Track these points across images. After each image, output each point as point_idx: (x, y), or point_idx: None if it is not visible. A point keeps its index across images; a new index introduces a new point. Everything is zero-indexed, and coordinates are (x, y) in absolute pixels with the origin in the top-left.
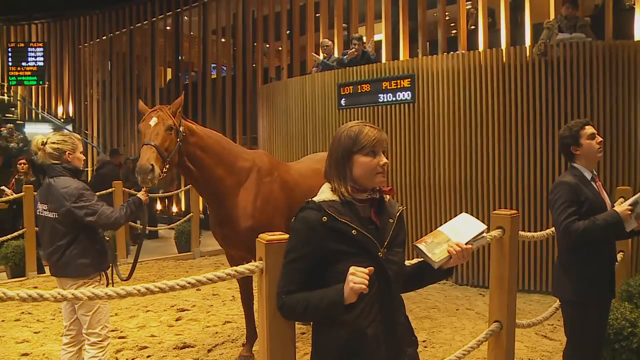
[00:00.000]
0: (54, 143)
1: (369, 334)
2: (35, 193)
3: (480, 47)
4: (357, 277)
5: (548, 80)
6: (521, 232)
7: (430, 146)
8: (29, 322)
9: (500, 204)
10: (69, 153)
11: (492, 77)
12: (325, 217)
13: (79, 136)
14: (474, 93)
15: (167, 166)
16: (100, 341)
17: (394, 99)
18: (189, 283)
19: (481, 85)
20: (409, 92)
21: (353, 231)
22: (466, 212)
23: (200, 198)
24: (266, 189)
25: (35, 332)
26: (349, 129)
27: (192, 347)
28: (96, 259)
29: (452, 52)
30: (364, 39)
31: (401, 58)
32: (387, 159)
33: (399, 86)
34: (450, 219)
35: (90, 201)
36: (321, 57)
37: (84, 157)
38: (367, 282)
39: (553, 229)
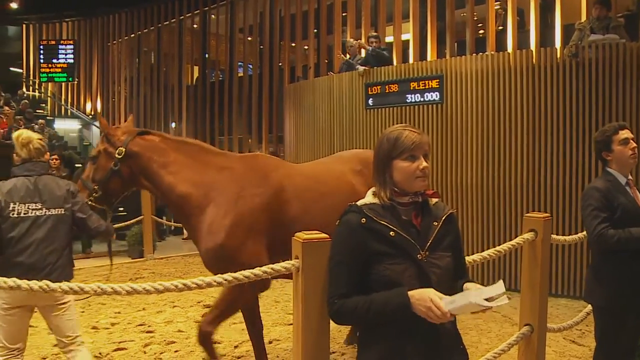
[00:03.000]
0: (40, 140)
1: (412, 338)
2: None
3: (509, 48)
4: (433, 314)
5: (579, 82)
6: (553, 236)
7: (458, 147)
8: None
9: (531, 207)
10: (47, 154)
11: (522, 78)
12: (364, 219)
13: None
14: (503, 94)
15: (96, 194)
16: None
17: (422, 99)
18: (225, 280)
19: (510, 87)
20: (437, 93)
21: (391, 232)
22: (496, 214)
23: None
24: (243, 206)
25: None
26: (389, 133)
27: (219, 343)
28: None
29: (480, 53)
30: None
31: (429, 59)
32: (427, 162)
33: (427, 87)
34: (479, 221)
35: (83, 200)
36: (347, 57)
37: None
38: (441, 320)
39: (585, 232)
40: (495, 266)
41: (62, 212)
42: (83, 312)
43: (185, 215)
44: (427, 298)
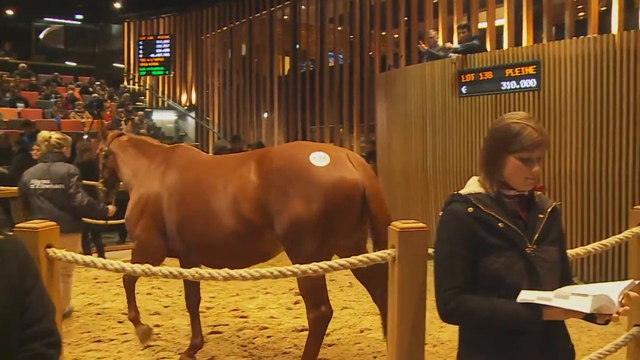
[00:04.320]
0: (58, 139)
1: (524, 338)
2: None
3: (614, 30)
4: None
5: None
6: None
7: (557, 137)
8: (159, 297)
9: (638, 199)
10: (65, 147)
11: (628, 62)
12: (471, 208)
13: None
14: (607, 80)
15: (102, 181)
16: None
17: (517, 86)
18: (321, 268)
19: (614, 72)
20: (534, 80)
21: (499, 224)
22: (598, 206)
23: None
24: (143, 190)
25: (165, 306)
26: (510, 123)
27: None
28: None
29: (581, 37)
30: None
31: (525, 44)
32: (539, 165)
33: (523, 73)
34: (580, 214)
35: (78, 181)
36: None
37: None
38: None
39: None
40: (598, 261)
41: (62, 187)
42: (180, 295)
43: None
44: (560, 313)
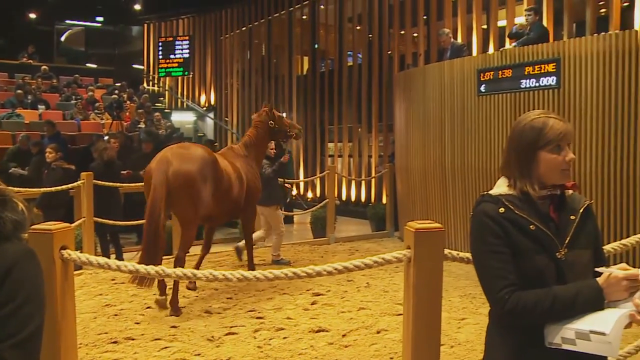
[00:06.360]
0: None
1: (545, 344)
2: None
3: (637, 26)
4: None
5: None
6: None
7: (577, 135)
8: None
9: None
10: None
11: None
12: (502, 209)
13: None
14: (629, 77)
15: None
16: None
17: (537, 84)
18: (335, 269)
19: (637, 69)
20: (554, 77)
21: (531, 226)
22: (619, 206)
23: (337, 184)
24: None
25: (181, 307)
26: (531, 121)
27: (327, 331)
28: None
29: (602, 33)
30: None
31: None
32: (571, 151)
33: (542, 71)
34: (599, 213)
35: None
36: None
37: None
38: None
39: None
40: (618, 261)
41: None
42: (197, 296)
43: None
44: (619, 280)
